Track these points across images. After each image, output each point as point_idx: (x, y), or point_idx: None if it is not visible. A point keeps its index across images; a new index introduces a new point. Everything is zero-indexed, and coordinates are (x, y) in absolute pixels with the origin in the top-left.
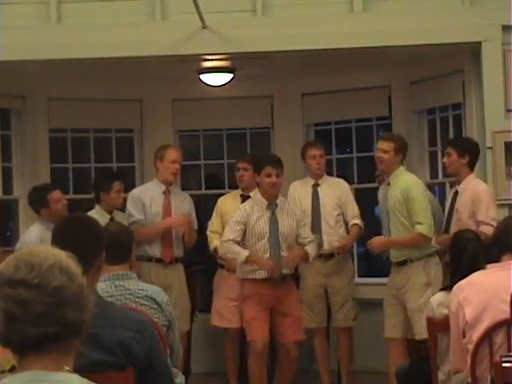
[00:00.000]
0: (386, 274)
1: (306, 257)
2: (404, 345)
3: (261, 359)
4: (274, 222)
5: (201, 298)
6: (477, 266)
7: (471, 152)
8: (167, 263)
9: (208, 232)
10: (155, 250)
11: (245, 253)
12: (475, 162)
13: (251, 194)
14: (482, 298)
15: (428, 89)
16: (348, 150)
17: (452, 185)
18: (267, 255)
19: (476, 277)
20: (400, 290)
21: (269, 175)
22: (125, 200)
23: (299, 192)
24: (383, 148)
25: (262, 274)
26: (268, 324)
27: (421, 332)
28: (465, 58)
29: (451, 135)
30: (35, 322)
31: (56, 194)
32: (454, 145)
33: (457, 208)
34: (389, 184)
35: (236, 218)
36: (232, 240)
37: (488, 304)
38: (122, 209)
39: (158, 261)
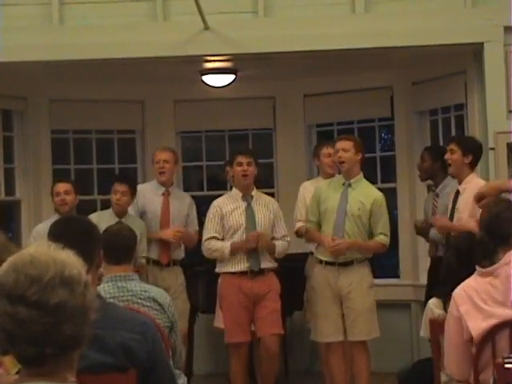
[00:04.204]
0: (383, 276)
1: (271, 247)
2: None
3: (243, 363)
4: (250, 213)
5: (203, 300)
6: (451, 278)
7: (475, 152)
8: (164, 265)
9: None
10: (152, 252)
11: (227, 245)
12: (477, 163)
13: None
14: (482, 316)
15: (430, 90)
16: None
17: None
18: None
19: (472, 289)
20: (342, 290)
21: (240, 164)
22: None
23: (309, 192)
24: (343, 147)
25: (239, 267)
26: (250, 324)
27: (366, 332)
28: (467, 58)
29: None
30: (32, 342)
31: (57, 187)
32: (459, 142)
33: (457, 207)
34: (349, 186)
35: (209, 216)
36: (211, 237)
37: (490, 322)
38: None
39: (155, 263)
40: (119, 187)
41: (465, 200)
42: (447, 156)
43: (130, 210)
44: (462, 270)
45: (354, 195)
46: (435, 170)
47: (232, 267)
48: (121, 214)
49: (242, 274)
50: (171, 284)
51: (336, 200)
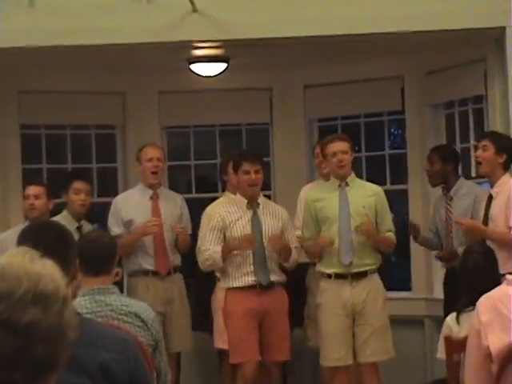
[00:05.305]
0: (392, 288)
1: (288, 251)
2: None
3: None
4: (256, 223)
5: (192, 315)
6: (481, 283)
7: (510, 151)
8: (164, 275)
9: (197, 250)
10: (148, 263)
11: (217, 249)
12: (510, 164)
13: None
14: (505, 330)
15: (446, 80)
16: (356, 148)
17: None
18: (250, 260)
19: (498, 299)
20: (358, 305)
21: (246, 172)
22: (93, 205)
23: None
24: (342, 149)
25: (247, 281)
26: (257, 342)
27: (381, 352)
28: (487, 45)
29: (471, 131)
30: None
31: (27, 190)
32: (493, 139)
33: (491, 215)
34: (346, 185)
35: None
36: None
37: None
38: (92, 217)
39: (154, 274)
40: (83, 186)
41: (498, 206)
42: (478, 153)
43: (111, 224)
44: (492, 272)
45: (355, 192)
46: (447, 172)
47: (238, 282)
48: (81, 217)
49: (250, 288)
50: (174, 295)
51: (335, 204)
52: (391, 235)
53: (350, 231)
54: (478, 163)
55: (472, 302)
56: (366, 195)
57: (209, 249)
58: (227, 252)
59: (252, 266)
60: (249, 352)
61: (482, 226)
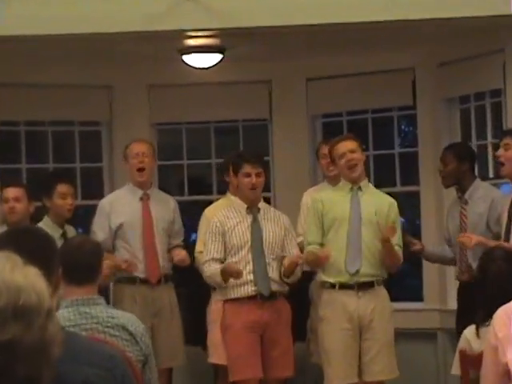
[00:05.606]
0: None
1: (294, 270)
2: None
3: None
4: (256, 229)
5: (184, 328)
6: (503, 292)
7: None
8: (154, 284)
9: (197, 254)
10: (137, 270)
11: (218, 271)
12: None
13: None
14: None
15: (461, 72)
16: (363, 146)
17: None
18: (249, 268)
19: None
20: (365, 318)
21: (247, 175)
22: (77, 208)
23: None
24: (352, 148)
25: (246, 291)
26: (259, 358)
27: (389, 370)
28: (506, 34)
29: (489, 128)
30: None
31: (6, 193)
32: None
33: None
34: (359, 189)
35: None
36: (212, 259)
37: None
38: (76, 221)
39: (143, 282)
40: (68, 189)
41: None
42: (500, 152)
43: (96, 229)
44: None
45: (367, 198)
46: (463, 172)
47: (237, 292)
48: (64, 222)
49: (250, 299)
50: (164, 306)
51: (346, 207)
52: (399, 250)
53: (359, 238)
54: (500, 163)
55: (492, 314)
56: (379, 203)
57: (212, 258)
58: (226, 276)
59: (252, 275)
60: (249, 369)
61: (493, 242)
